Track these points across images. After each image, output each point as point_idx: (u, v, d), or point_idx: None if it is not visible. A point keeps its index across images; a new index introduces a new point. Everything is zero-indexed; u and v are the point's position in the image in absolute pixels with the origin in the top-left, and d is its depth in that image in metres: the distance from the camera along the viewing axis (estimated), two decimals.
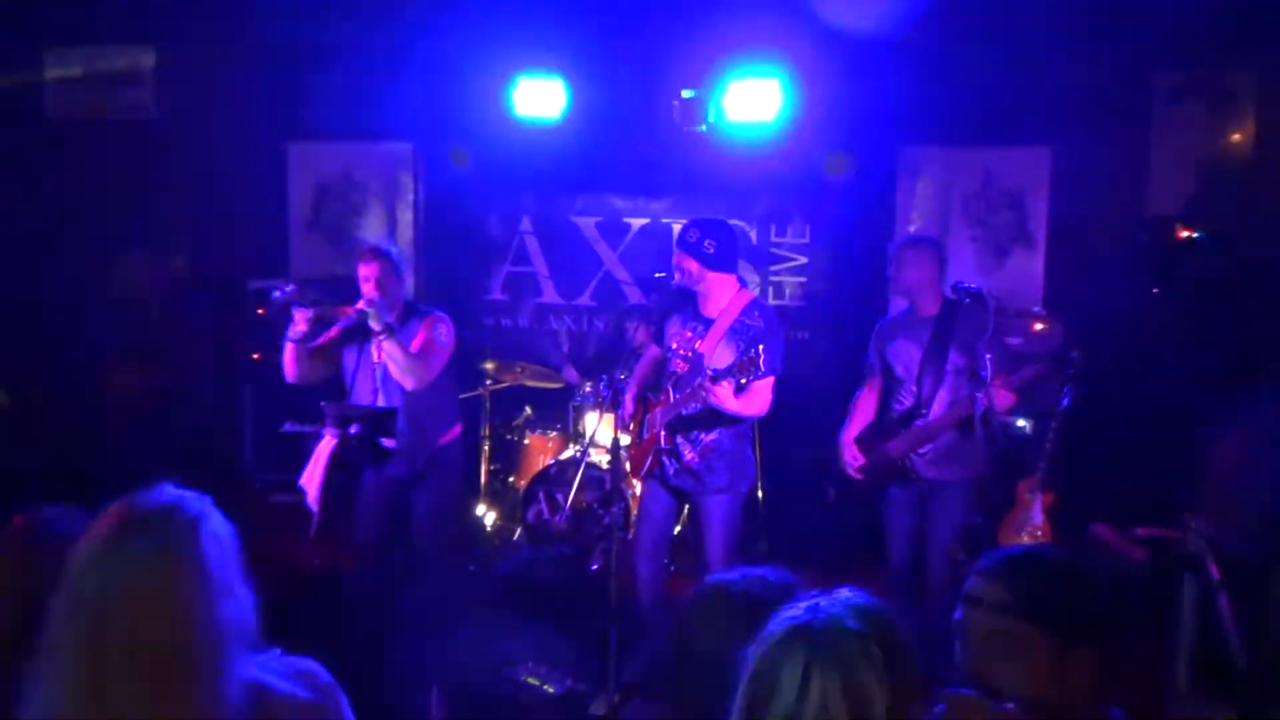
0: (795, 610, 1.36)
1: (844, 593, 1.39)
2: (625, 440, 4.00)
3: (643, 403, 3.95)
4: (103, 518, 1.44)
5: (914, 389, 3.90)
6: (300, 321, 3.92)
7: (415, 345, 3.96)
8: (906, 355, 3.94)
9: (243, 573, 1.49)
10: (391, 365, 3.91)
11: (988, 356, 3.64)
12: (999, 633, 1.59)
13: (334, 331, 4.02)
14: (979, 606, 1.62)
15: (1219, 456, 3.31)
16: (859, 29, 5.14)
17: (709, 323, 3.74)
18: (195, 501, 1.49)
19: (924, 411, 3.85)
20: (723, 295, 3.75)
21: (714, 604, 1.70)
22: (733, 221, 6.45)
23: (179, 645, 1.37)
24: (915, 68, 5.49)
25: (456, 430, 4.22)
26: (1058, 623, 1.57)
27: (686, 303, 3.82)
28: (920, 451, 3.86)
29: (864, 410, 4.11)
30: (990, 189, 6.09)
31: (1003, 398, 3.76)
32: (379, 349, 3.94)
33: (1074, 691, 1.56)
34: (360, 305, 3.87)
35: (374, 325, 3.86)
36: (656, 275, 5.32)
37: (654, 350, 4.04)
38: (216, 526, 1.47)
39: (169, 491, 1.50)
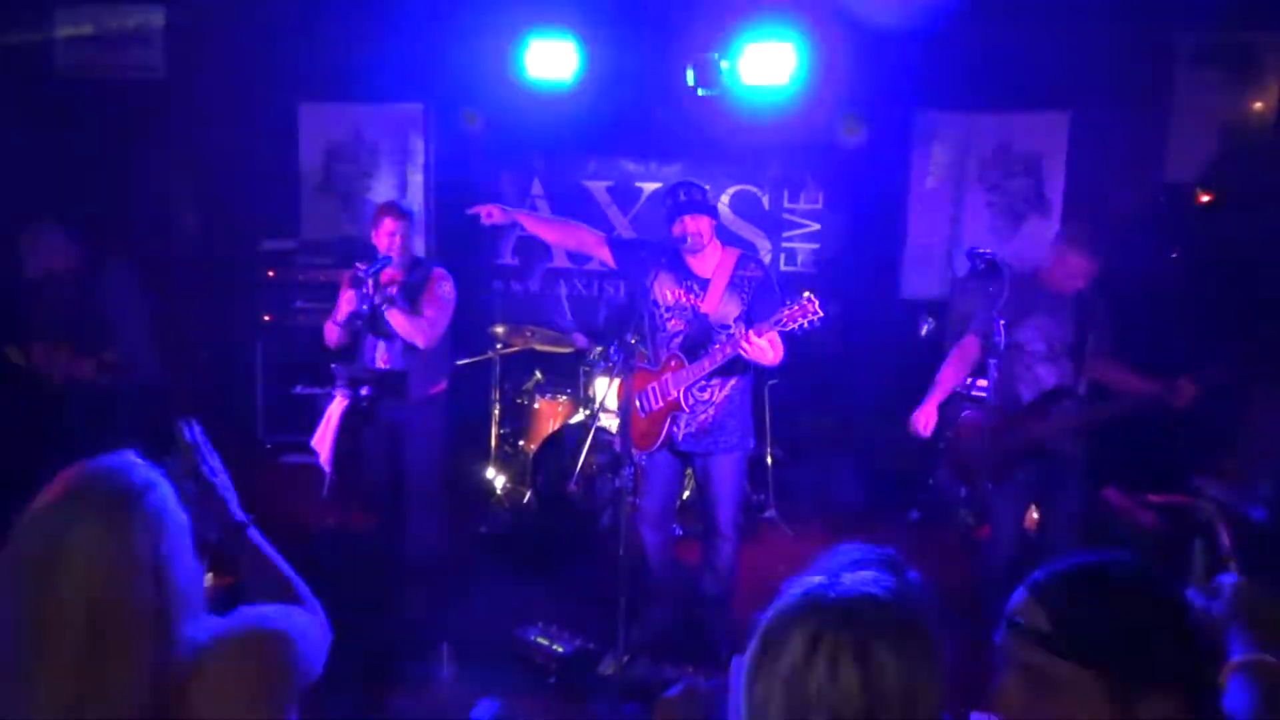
0: (814, 578, 1.28)
1: (867, 573, 1.29)
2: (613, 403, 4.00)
3: (645, 372, 3.90)
4: (55, 480, 1.41)
5: (1058, 369, 3.74)
6: (345, 304, 4.02)
7: (424, 301, 4.08)
8: (1049, 332, 3.76)
9: (188, 545, 1.45)
10: (398, 328, 4.02)
11: (1002, 323, 3.63)
12: (1035, 667, 1.28)
13: (350, 307, 4.05)
14: (1019, 632, 1.31)
15: (1256, 420, 3.29)
16: None
17: (704, 282, 3.73)
18: (144, 471, 1.45)
19: (1076, 393, 3.73)
20: (714, 252, 3.76)
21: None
22: (746, 187, 6.45)
23: (87, 620, 1.32)
24: (931, 31, 5.40)
25: (443, 385, 4.32)
26: (1117, 663, 1.24)
27: (676, 263, 3.78)
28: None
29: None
30: (1007, 154, 6.03)
31: (1187, 393, 3.56)
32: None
33: None
34: (367, 288, 3.94)
35: (375, 299, 3.95)
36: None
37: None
38: (161, 498, 1.43)
39: (122, 459, 1.46)
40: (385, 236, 4.04)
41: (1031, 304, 3.77)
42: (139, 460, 1.47)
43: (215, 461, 1.73)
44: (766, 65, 5.33)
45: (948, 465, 4.18)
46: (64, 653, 1.32)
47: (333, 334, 4.13)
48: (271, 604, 1.62)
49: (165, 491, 1.45)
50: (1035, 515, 4.29)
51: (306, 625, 1.59)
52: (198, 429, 1.72)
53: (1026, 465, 3.76)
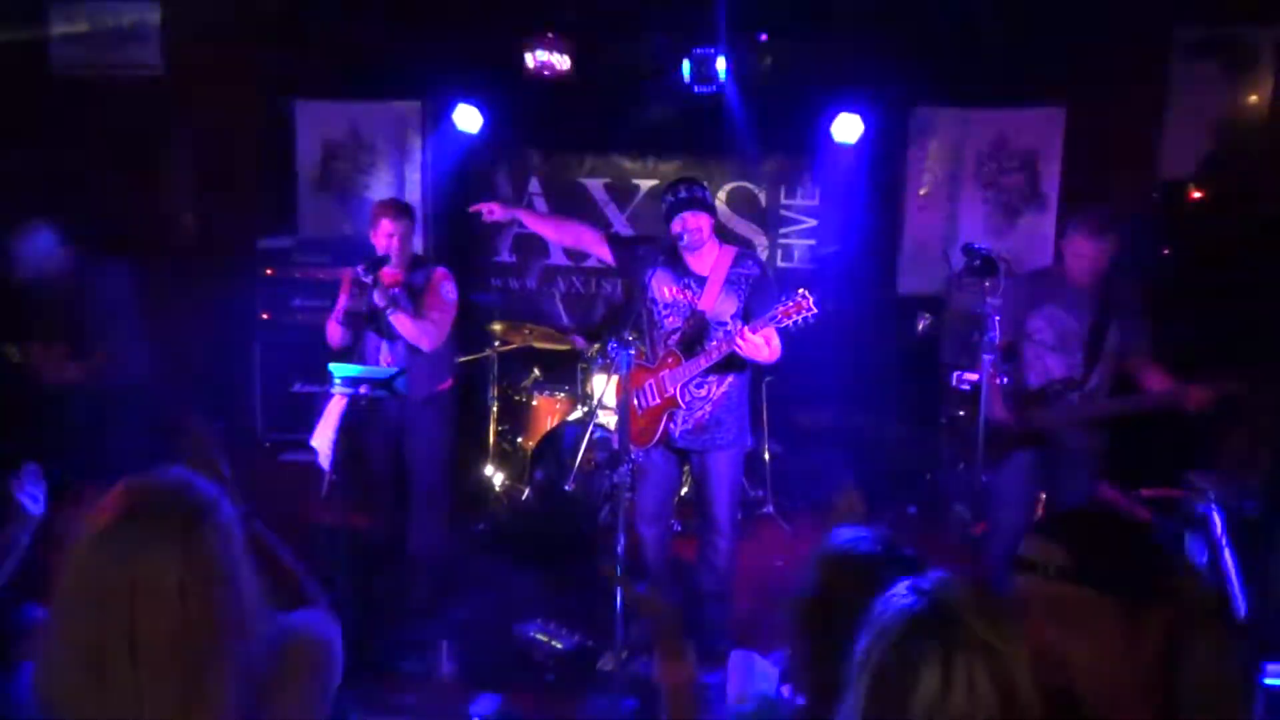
0: (900, 598, 1.28)
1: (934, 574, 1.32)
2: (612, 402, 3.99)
3: (642, 369, 3.90)
4: (108, 498, 1.40)
5: (1067, 360, 3.76)
6: (344, 301, 4.04)
7: (427, 302, 4.04)
8: (1061, 323, 3.79)
9: (247, 560, 1.46)
10: (402, 332, 3.98)
11: (997, 319, 3.62)
12: (1058, 600, 1.42)
13: (347, 303, 4.06)
14: (1035, 572, 1.46)
15: (1246, 413, 3.29)
16: None
17: (701, 279, 3.74)
18: (205, 486, 1.45)
19: (1085, 385, 3.73)
20: (711, 250, 3.76)
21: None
22: (743, 184, 6.46)
23: (179, 635, 1.33)
24: (927, 26, 5.41)
25: (449, 383, 4.29)
26: (1124, 584, 1.41)
27: (673, 260, 3.79)
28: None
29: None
30: (1003, 150, 6.04)
31: (1199, 398, 3.48)
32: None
33: (1145, 660, 1.40)
34: (367, 280, 3.93)
35: (379, 302, 3.91)
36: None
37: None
38: (224, 513, 1.43)
39: (178, 475, 1.46)
40: (384, 238, 4.01)
41: (1045, 294, 3.81)
42: (194, 476, 1.48)
43: (222, 455, 1.77)
44: (763, 61, 5.33)
45: (950, 442, 4.16)
46: (161, 671, 1.33)
47: (335, 332, 4.12)
48: (306, 611, 1.65)
49: (231, 506, 1.46)
50: (969, 519, 4.27)
51: (336, 631, 1.62)
52: (205, 422, 1.76)
53: (1026, 452, 3.76)
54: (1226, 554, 2.88)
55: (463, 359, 5.39)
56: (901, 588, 1.30)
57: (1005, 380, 3.75)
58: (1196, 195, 5.27)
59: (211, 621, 1.36)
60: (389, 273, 4.01)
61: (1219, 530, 2.82)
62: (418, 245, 6.25)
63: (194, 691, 1.34)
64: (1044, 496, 4.05)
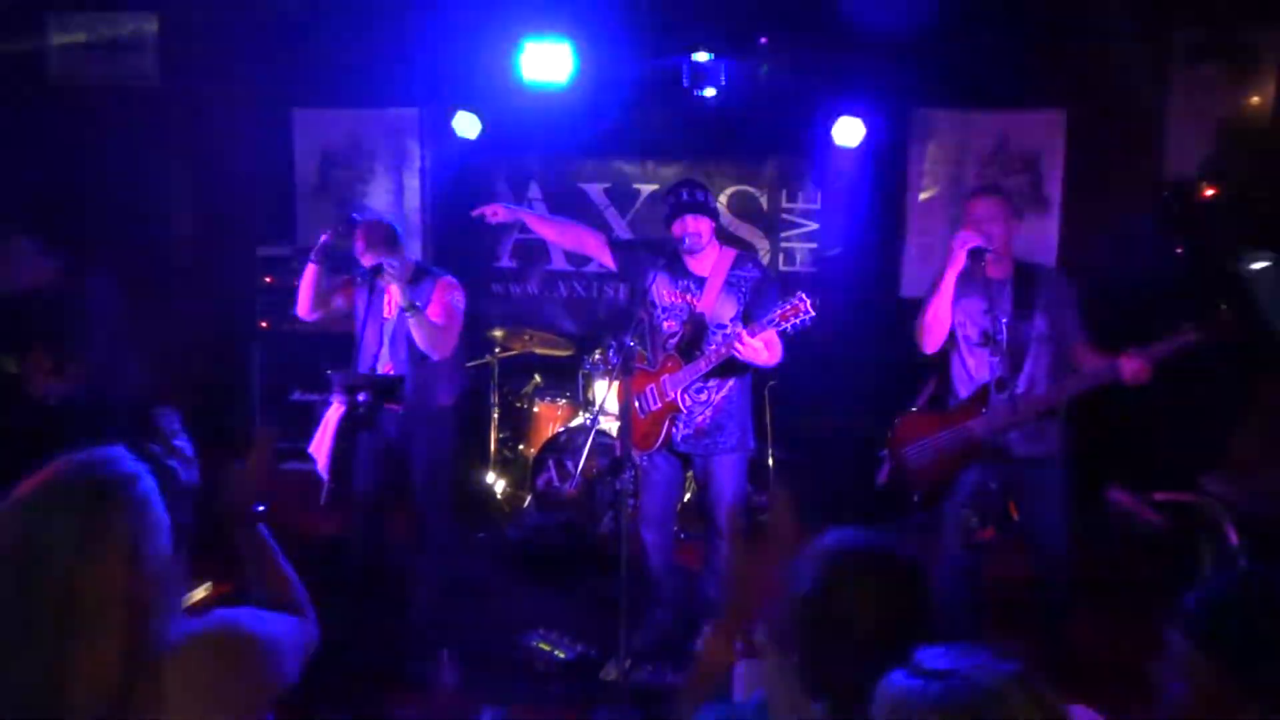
0: (918, 686, 1.19)
1: (923, 655, 1.25)
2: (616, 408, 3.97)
3: (644, 373, 3.87)
4: (40, 470, 1.44)
5: (994, 359, 3.48)
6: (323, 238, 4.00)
7: (432, 312, 3.97)
8: (979, 318, 3.57)
9: (168, 541, 1.45)
10: (417, 338, 3.91)
11: (1004, 320, 3.59)
12: (1168, 648, 1.52)
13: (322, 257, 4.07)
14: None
15: (1259, 414, 3.25)
16: None
17: (701, 281, 3.72)
18: (129, 463, 1.47)
19: (1014, 385, 3.45)
20: (711, 252, 3.75)
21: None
22: (744, 187, 6.43)
23: (66, 605, 1.34)
24: (928, 28, 5.38)
25: (456, 396, 4.24)
26: (1232, 655, 1.45)
27: (674, 263, 3.78)
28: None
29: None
30: (1005, 151, 6.01)
31: (1131, 368, 3.26)
32: (390, 305, 3.99)
33: None
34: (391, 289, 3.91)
35: (400, 301, 3.86)
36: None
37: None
38: (145, 490, 1.44)
39: (109, 451, 1.48)
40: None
41: (967, 287, 3.61)
42: (125, 454, 1.49)
43: (186, 448, 1.77)
44: (762, 65, 5.30)
45: (894, 479, 3.84)
46: (38, 638, 1.33)
47: (305, 299, 4.06)
48: (251, 608, 1.61)
49: (149, 485, 1.46)
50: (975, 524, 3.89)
51: (283, 632, 1.59)
52: (173, 417, 1.79)
53: (972, 471, 3.51)
54: (1240, 558, 2.85)
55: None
56: (903, 675, 1.22)
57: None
58: (1209, 193, 5.24)
59: (102, 596, 1.35)
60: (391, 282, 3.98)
61: (1233, 534, 2.79)
62: (417, 252, 6.23)
63: (64, 667, 1.33)
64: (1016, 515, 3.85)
